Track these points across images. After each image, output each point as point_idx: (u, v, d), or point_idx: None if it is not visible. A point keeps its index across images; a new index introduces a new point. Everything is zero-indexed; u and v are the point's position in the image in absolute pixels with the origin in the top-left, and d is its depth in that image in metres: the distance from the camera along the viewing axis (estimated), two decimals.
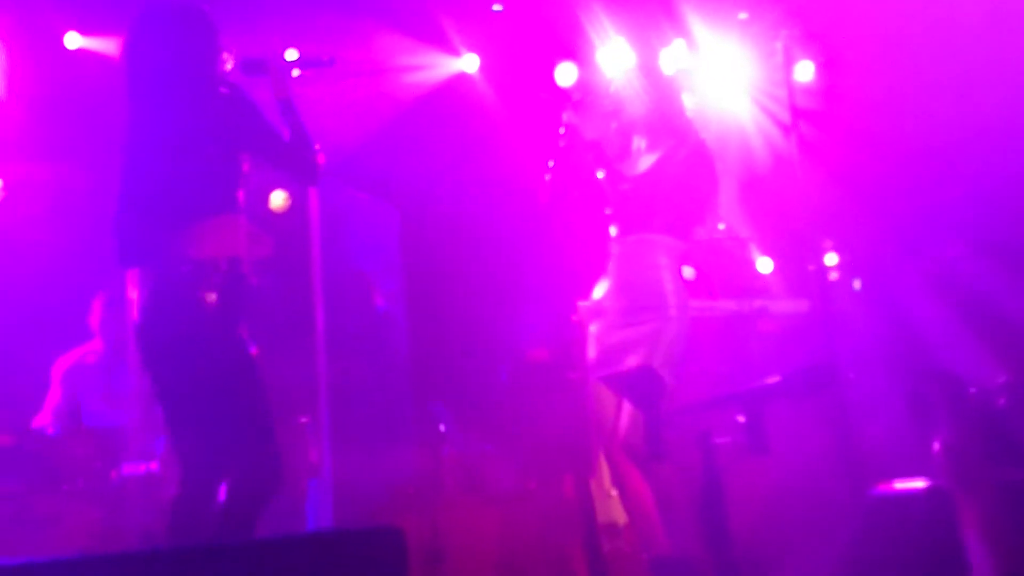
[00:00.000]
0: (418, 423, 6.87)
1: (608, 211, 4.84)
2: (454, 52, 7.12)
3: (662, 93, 4.89)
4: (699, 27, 6.84)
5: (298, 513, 6.06)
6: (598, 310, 4.77)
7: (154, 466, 5.57)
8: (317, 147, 3.99)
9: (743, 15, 6.94)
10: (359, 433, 6.60)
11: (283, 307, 6.54)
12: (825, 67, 6.73)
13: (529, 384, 6.40)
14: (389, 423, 6.93)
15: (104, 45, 6.47)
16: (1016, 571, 3.98)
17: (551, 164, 4.81)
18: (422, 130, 7.22)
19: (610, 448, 4.65)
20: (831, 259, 6.81)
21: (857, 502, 4.25)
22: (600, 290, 4.80)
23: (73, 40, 6.57)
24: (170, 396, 3.88)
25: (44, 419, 6.06)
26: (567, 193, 4.86)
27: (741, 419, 3.91)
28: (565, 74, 6.88)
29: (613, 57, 6.64)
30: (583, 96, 4.95)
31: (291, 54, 4.16)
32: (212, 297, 3.72)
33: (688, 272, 6.17)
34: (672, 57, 6.86)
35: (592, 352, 4.75)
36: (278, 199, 7.02)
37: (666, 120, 4.83)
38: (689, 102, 4.98)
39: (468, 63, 7.17)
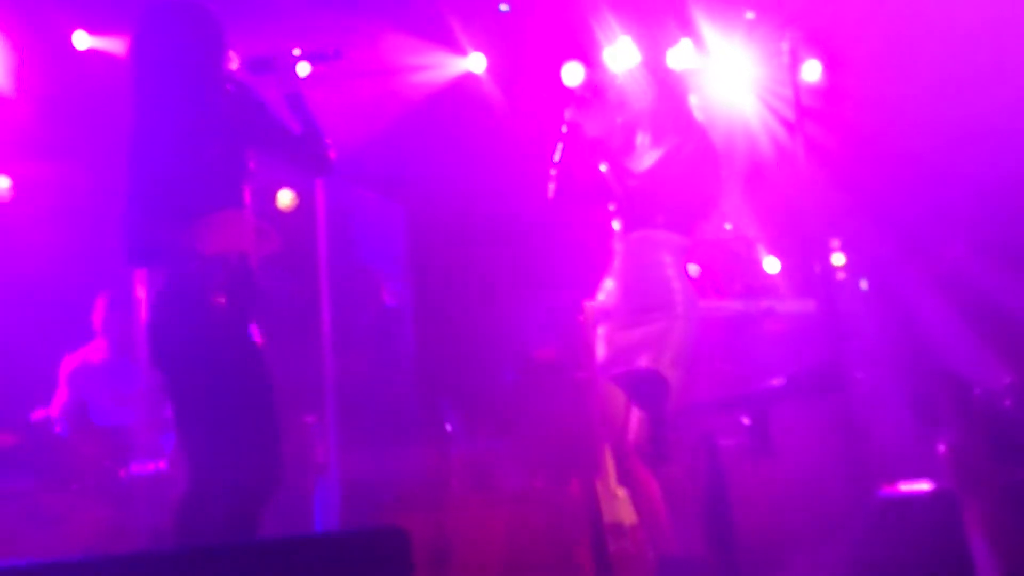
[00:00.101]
0: (425, 422, 6.88)
1: (612, 207, 4.83)
2: (461, 52, 7.13)
3: (667, 89, 4.89)
4: (706, 27, 6.84)
5: (305, 512, 6.08)
6: (605, 310, 4.76)
7: (162, 465, 5.60)
8: (329, 140, 4.01)
9: (750, 15, 6.93)
10: (366, 432, 6.60)
11: (290, 306, 6.55)
12: (832, 67, 6.73)
13: (535, 384, 6.40)
14: (396, 422, 6.93)
15: (112, 44, 6.49)
16: (1021, 573, 3.98)
17: (555, 162, 4.81)
18: (429, 129, 7.23)
19: (621, 447, 4.65)
20: (838, 259, 6.81)
21: (862, 504, 4.24)
22: (606, 289, 4.79)
23: (81, 39, 6.59)
24: (179, 395, 3.90)
25: (51, 413, 6.07)
26: (572, 191, 4.85)
27: (746, 421, 3.91)
28: (572, 73, 6.89)
29: (620, 56, 6.64)
30: (588, 94, 4.93)
31: (297, 50, 4.17)
32: (221, 297, 3.73)
33: (693, 269, 6.17)
34: (679, 56, 6.87)
35: (601, 352, 4.74)
36: (285, 198, 7.04)
37: (671, 116, 4.82)
38: (695, 101, 4.97)
39: (475, 63, 7.18)
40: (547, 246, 6.76)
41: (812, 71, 6.84)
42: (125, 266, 5.61)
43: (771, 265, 6.86)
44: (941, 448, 4.13)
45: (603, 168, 4.75)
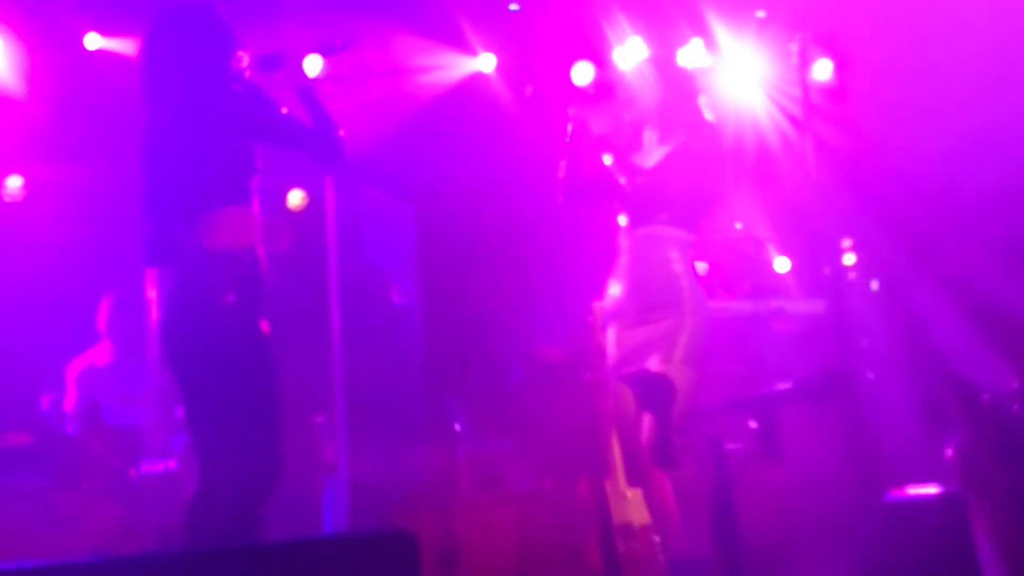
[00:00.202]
0: (433, 422, 6.88)
1: (618, 204, 4.81)
2: (471, 52, 7.12)
3: (676, 86, 4.87)
4: (716, 25, 6.82)
5: (314, 512, 6.10)
6: (613, 309, 4.75)
7: (172, 464, 5.61)
8: (341, 130, 4.07)
9: (760, 13, 6.91)
10: (375, 432, 6.61)
11: (299, 306, 6.56)
12: (843, 66, 6.70)
13: (544, 384, 6.41)
14: (404, 422, 6.94)
15: (123, 45, 6.50)
16: None
17: (562, 162, 4.81)
18: (438, 130, 7.22)
19: (634, 448, 4.63)
20: (849, 259, 6.79)
21: (869, 507, 4.24)
22: (613, 288, 4.78)
23: (93, 41, 6.61)
24: (190, 394, 3.94)
25: (65, 408, 6.10)
26: (580, 191, 4.85)
27: (753, 425, 3.91)
28: (582, 73, 6.88)
29: (630, 56, 6.63)
30: (596, 93, 4.93)
31: (305, 45, 4.24)
32: (230, 296, 3.77)
33: (701, 267, 6.16)
34: (689, 55, 6.85)
35: (612, 352, 4.73)
36: (295, 198, 7.05)
37: (679, 113, 4.81)
38: (704, 100, 4.96)
39: (485, 63, 7.17)
40: (556, 246, 6.75)
41: (823, 70, 6.82)
42: (137, 266, 5.70)
43: (781, 265, 6.84)
44: (949, 452, 4.12)
45: (609, 162, 4.73)
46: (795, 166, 6.51)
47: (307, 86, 4.12)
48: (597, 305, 5.02)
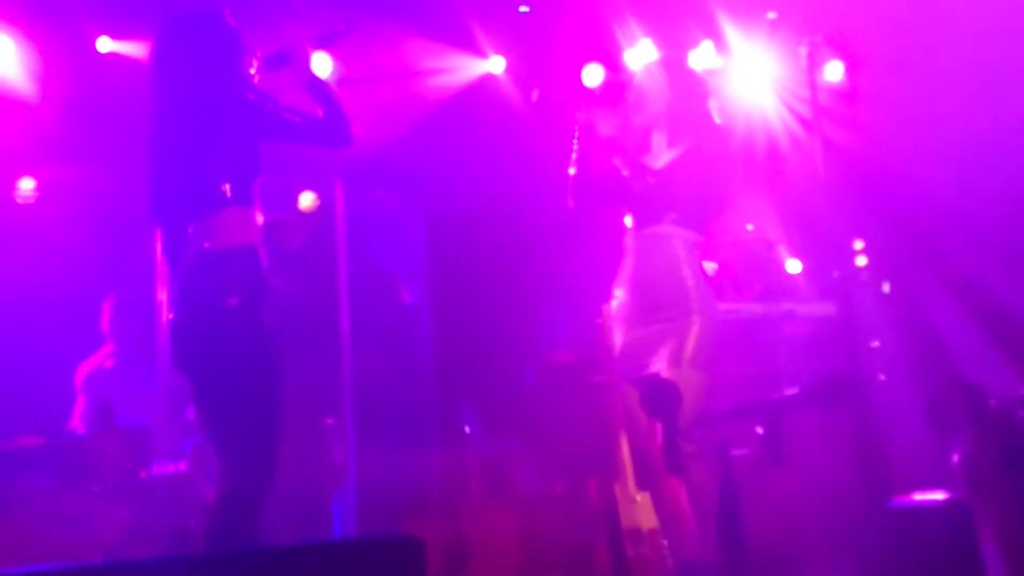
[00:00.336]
0: (443, 424, 6.89)
1: (627, 206, 4.80)
2: (481, 54, 7.12)
3: (686, 88, 4.86)
4: (727, 27, 6.81)
5: (323, 514, 6.11)
6: (620, 310, 4.73)
7: (183, 466, 5.63)
8: (348, 116, 4.15)
9: (772, 15, 6.89)
10: (384, 434, 6.62)
11: (308, 308, 6.58)
12: (854, 68, 6.69)
13: (553, 386, 6.40)
14: (414, 424, 6.95)
15: (134, 49, 6.53)
16: None
17: (572, 164, 4.80)
18: (448, 131, 7.23)
19: (646, 451, 4.62)
20: (861, 261, 6.76)
21: (876, 513, 4.22)
22: (619, 288, 4.76)
23: (105, 44, 6.63)
24: (200, 396, 4.01)
25: (73, 424, 6.13)
26: (590, 194, 4.84)
27: (759, 430, 3.90)
28: (592, 75, 6.88)
29: (640, 58, 6.63)
30: (606, 96, 4.92)
31: (309, 36, 4.29)
32: (232, 299, 3.82)
33: (711, 267, 6.14)
34: (700, 58, 6.84)
35: (618, 354, 4.72)
36: (307, 200, 7.06)
37: (688, 116, 4.79)
38: (714, 103, 4.94)
39: (495, 65, 7.17)
40: (565, 247, 6.75)
41: (834, 72, 6.80)
42: (146, 267, 5.73)
43: (793, 267, 6.83)
44: (955, 458, 4.11)
45: (618, 165, 4.72)
46: (806, 167, 6.49)
47: (314, 77, 4.18)
48: (606, 307, 5.02)
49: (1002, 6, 5.89)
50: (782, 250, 6.80)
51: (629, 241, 4.76)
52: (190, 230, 3.90)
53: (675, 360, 4.45)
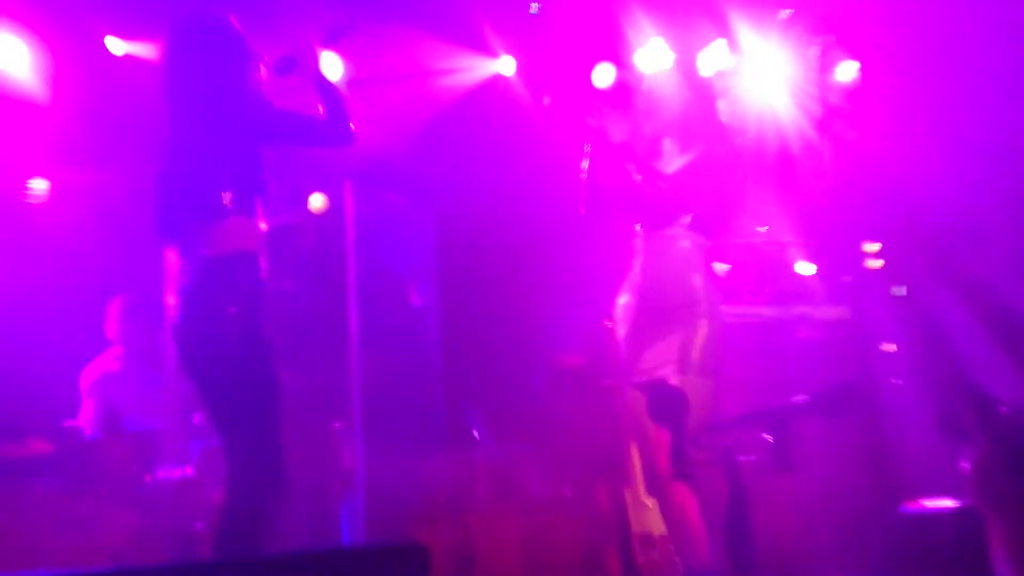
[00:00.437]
0: (452, 428, 6.88)
1: (637, 211, 4.77)
2: (491, 54, 7.10)
3: (696, 95, 4.83)
4: (740, 26, 6.76)
5: (332, 518, 6.10)
6: (626, 311, 4.70)
7: (190, 470, 5.63)
8: (350, 115, 4.19)
9: (784, 14, 6.84)
10: (392, 438, 6.61)
11: (317, 310, 6.57)
12: (867, 68, 6.63)
13: (563, 390, 6.37)
14: (423, 428, 6.94)
15: (147, 50, 6.53)
16: None
17: (584, 169, 4.78)
18: (458, 133, 7.21)
19: (654, 457, 4.58)
20: (875, 264, 6.70)
21: (886, 520, 4.19)
22: (626, 290, 4.73)
23: (116, 46, 6.64)
24: (204, 401, 4.06)
25: (80, 424, 6.13)
26: (600, 199, 4.81)
27: (768, 437, 3.87)
28: (603, 75, 6.84)
29: (651, 58, 6.58)
30: (616, 99, 4.88)
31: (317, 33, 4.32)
32: (231, 307, 3.86)
33: (722, 268, 6.10)
34: (712, 58, 6.80)
35: (624, 357, 4.68)
36: (317, 201, 7.05)
37: (699, 123, 4.77)
38: (723, 106, 4.91)
39: (505, 65, 7.15)
40: (576, 250, 6.71)
41: (847, 72, 6.74)
42: (154, 270, 5.73)
43: (806, 269, 6.77)
44: (965, 465, 4.07)
45: (630, 170, 4.69)
46: (819, 169, 6.45)
47: (322, 77, 4.20)
48: (615, 309, 4.99)
49: (1017, 6, 5.83)
50: (795, 253, 6.75)
51: (639, 243, 4.73)
52: (191, 238, 3.95)
53: (682, 366, 4.42)
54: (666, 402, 4.33)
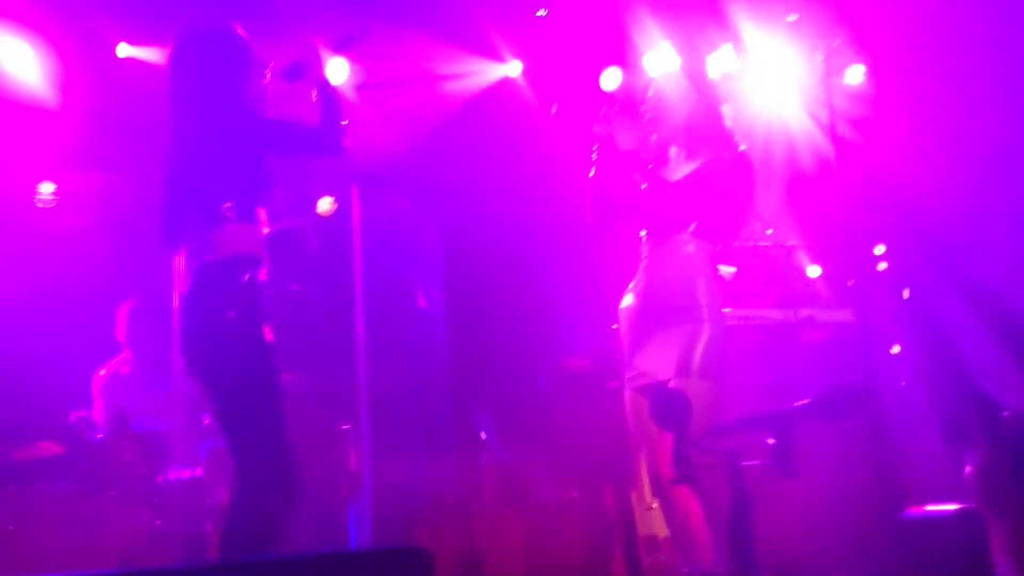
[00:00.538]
0: (458, 431, 6.89)
1: (644, 219, 4.77)
2: (499, 58, 7.11)
3: (703, 101, 4.81)
4: (747, 30, 6.76)
5: (338, 520, 6.11)
6: (628, 313, 4.70)
7: (199, 471, 5.66)
8: (344, 126, 4.20)
9: (792, 17, 6.84)
10: (400, 441, 6.63)
11: (325, 314, 6.59)
12: (874, 71, 6.63)
13: (569, 393, 6.38)
14: (429, 430, 6.95)
15: (155, 55, 6.56)
16: None
17: (591, 175, 4.78)
18: (466, 136, 7.22)
19: (656, 460, 4.57)
20: (881, 267, 6.70)
21: (888, 524, 4.19)
22: (630, 292, 4.73)
23: (124, 50, 6.67)
24: (210, 403, 4.07)
25: (94, 417, 6.17)
26: (607, 207, 4.81)
27: (770, 441, 3.87)
28: (610, 79, 6.84)
29: (659, 62, 6.59)
30: (621, 105, 4.86)
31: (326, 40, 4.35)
32: (231, 313, 3.88)
33: (729, 271, 6.10)
34: (719, 61, 6.80)
35: (625, 359, 4.68)
36: (324, 204, 7.08)
37: (705, 129, 4.75)
38: (729, 111, 4.89)
39: (513, 69, 7.16)
40: (582, 253, 6.71)
41: (855, 76, 6.75)
42: (162, 274, 5.75)
43: (813, 272, 6.78)
44: (968, 469, 4.07)
45: (637, 178, 4.68)
46: (826, 172, 6.45)
47: (326, 85, 4.22)
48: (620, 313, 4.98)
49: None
50: (801, 255, 6.75)
51: (644, 248, 4.73)
52: (193, 245, 4.00)
53: (683, 369, 4.41)
54: (668, 405, 4.31)
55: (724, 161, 4.62)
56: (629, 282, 4.77)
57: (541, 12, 6.85)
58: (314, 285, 6.34)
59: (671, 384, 4.40)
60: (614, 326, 4.88)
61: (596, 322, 6.04)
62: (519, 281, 7.34)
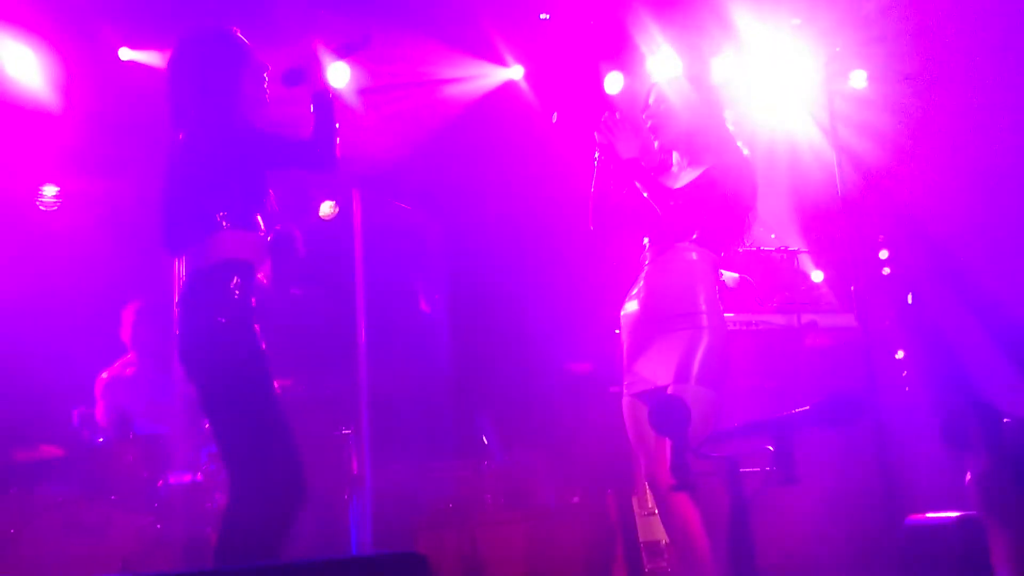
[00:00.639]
0: (460, 435, 6.88)
1: (646, 227, 4.76)
2: (501, 62, 7.11)
3: (705, 107, 4.79)
4: (751, 34, 6.75)
5: (340, 523, 6.11)
6: (628, 319, 4.69)
7: (200, 475, 5.66)
8: (338, 142, 4.14)
9: (796, 22, 6.83)
10: (401, 445, 6.62)
11: (326, 318, 6.59)
12: (877, 76, 6.62)
13: (571, 398, 6.38)
14: (431, 435, 6.94)
15: (156, 59, 6.57)
16: None
17: (593, 182, 4.76)
18: (468, 140, 7.22)
19: (653, 468, 4.55)
20: (885, 271, 6.69)
21: (889, 532, 4.17)
22: (631, 298, 4.71)
23: (126, 55, 6.68)
24: (205, 408, 4.05)
25: (97, 417, 6.17)
26: (609, 215, 4.80)
27: (771, 448, 3.85)
28: (613, 83, 6.84)
29: (661, 67, 6.58)
30: (622, 113, 4.83)
31: (330, 46, 4.33)
32: (222, 318, 3.88)
33: (732, 277, 6.08)
34: (721, 67, 6.79)
35: (625, 366, 4.66)
36: (326, 208, 7.08)
37: (708, 136, 4.73)
38: (730, 116, 4.87)
39: (515, 73, 7.16)
40: (584, 258, 6.71)
41: (858, 80, 6.74)
42: (164, 277, 5.75)
43: (816, 277, 6.76)
44: (969, 476, 4.05)
45: (639, 186, 4.66)
46: (829, 177, 6.43)
47: (324, 94, 4.18)
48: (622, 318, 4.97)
49: None
50: (804, 260, 6.74)
51: (646, 257, 4.71)
52: (188, 251, 4.00)
53: (682, 376, 4.39)
54: (666, 412, 4.28)
55: (726, 167, 4.59)
56: (631, 288, 4.76)
57: (543, 16, 6.85)
58: (315, 289, 6.33)
59: (670, 390, 4.37)
60: (616, 331, 4.86)
61: (598, 327, 6.03)
62: (521, 286, 7.34)
